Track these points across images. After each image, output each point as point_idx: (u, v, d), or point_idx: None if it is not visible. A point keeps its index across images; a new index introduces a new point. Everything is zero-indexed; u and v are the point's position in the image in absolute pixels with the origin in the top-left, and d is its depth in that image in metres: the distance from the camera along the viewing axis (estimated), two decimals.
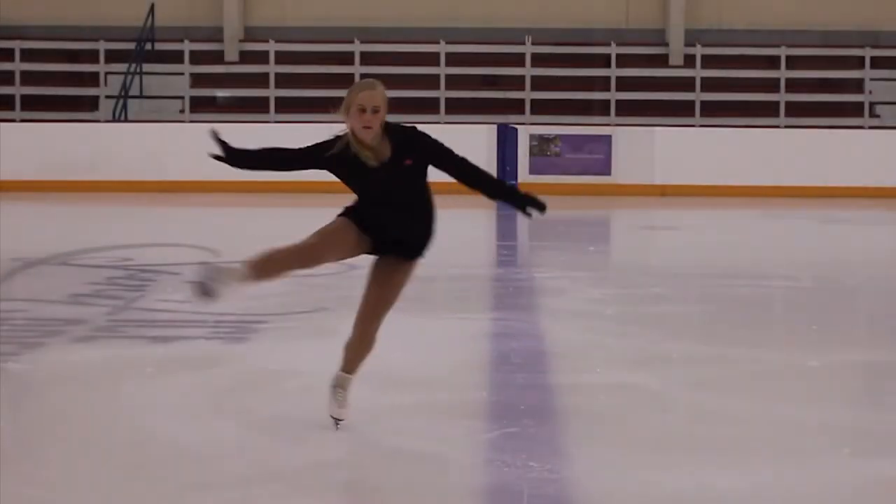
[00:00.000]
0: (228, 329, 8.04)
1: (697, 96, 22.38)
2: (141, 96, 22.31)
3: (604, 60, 22.89)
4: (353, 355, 5.53)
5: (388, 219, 5.37)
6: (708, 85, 22.55)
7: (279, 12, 23.84)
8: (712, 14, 23.71)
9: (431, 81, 22.41)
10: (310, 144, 5.41)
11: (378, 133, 5.26)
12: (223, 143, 5.42)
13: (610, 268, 12.63)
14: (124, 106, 21.73)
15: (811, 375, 6.94)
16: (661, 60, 23.41)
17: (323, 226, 5.38)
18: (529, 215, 5.35)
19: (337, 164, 5.32)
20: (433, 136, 5.37)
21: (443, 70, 22.53)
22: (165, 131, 20.64)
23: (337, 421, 5.48)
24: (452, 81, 22.51)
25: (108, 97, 22.18)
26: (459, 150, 5.43)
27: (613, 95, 22.44)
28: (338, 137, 5.33)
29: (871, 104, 22.52)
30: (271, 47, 22.64)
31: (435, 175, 5.37)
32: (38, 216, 16.98)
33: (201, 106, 22.23)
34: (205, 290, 5.23)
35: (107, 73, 22.53)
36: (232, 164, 5.48)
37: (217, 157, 5.43)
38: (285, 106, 21.91)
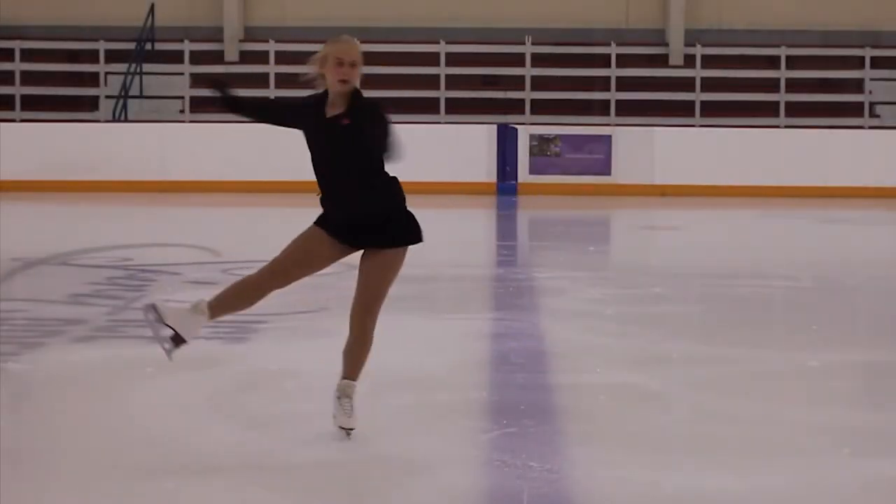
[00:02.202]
0: (228, 329, 8.04)
1: (697, 96, 22.38)
2: (141, 96, 22.31)
3: (604, 60, 22.89)
4: (351, 359, 5.44)
5: (335, 196, 5.34)
6: (708, 85, 22.55)
7: (279, 12, 23.84)
8: (712, 14, 23.71)
9: (431, 81, 22.40)
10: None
11: (350, 90, 5.29)
12: (223, 90, 5.52)
13: (610, 268, 12.63)
14: (124, 106, 21.73)
15: (811, 375, 6.94)
16: (661, 60, 23.41)
17: (293, 240, 5.45)
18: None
19: (306, 115, 5.39)
20: (391, 120, 5.26)
21: (443, 70, 22.53)
22: (165, 131, 20.65)
23: (347, 431, 5.37)
24: (452, 81, 22.51)
25: (108, 97, 22.19)
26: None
27: (613, 95, 22.44)
28: (317, 94, 5.41)
29: (871, 104, 22.52)
30: (271, 47, 22.65)
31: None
32: (38, 216, 16.98)
33: (201, 106, 22.22)
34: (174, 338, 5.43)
35: (107, 73, 22.53)
36: (227, 108, 5.57)
37: (218, 97, 5.54)
38: None
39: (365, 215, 5.33)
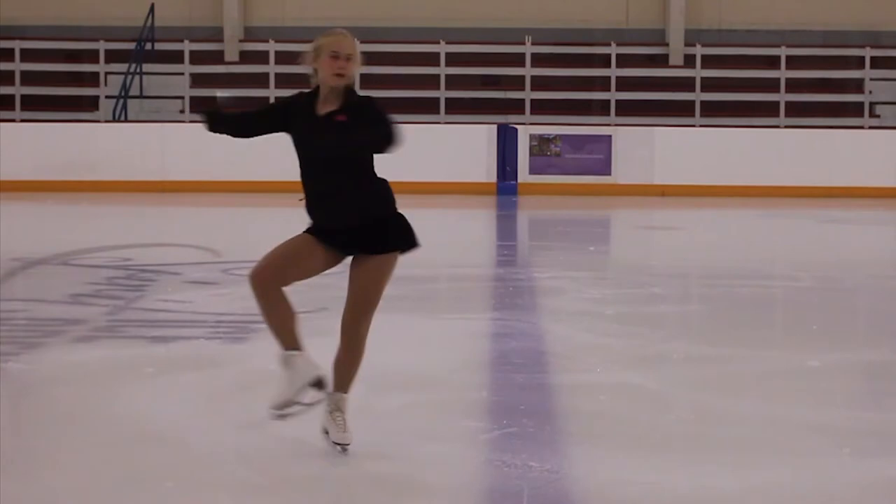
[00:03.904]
0: (228, 329, 8.04)
1: (697, 96, 22.38)
2: (141, 96, 22.31)
3: (604, 60, 22.90)
4: (343, 371, 5.20)
5: (324, 198, 5.08)
6: (708, 85, 22.55)
7: (279, 12, 23.84)
8: (712, 14, 23.72)
9: (431, 81, 22.40)
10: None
11: (345, 85, 5.05)
12: (210, 116, 5.35)
13: (610, 268, 12.62)
14: (124, 106, 21.73)
15: (811, 375, 6.94)
16: (661, 60, 23.41)
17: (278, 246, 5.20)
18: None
19: (294, 114, 5.12)
20: (388, 112, 5.01)
21: (443, 70, 22.53)
22: (165, 131, 20.65)
23: (343, 447, 5.13)
24: (452, 81, 22.51)
25: (108, 97, 22.19)
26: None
27: (613, 95, 22.44)
28: (305, 91, 5.17)
29: (871, 104, 22.52)
30: (271, 47, 22.64)
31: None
32: (38, 216, 16.97)
33: (201, 106, 22.18)
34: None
35: (107, 73, 22.53)
36: (213, 130, 5.37)
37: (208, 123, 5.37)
38: None
39: (356, 218, 5.08)
